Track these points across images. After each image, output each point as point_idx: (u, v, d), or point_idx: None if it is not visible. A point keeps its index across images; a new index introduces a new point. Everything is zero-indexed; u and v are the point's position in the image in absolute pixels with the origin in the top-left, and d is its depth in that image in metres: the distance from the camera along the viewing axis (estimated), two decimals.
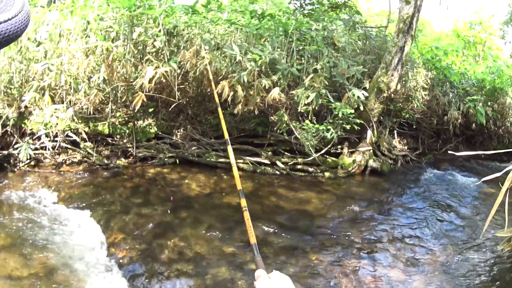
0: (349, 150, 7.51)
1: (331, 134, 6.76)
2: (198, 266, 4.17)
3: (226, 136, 2.19)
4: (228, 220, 5.20)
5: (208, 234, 4.84)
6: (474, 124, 8.72)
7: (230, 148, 1.98)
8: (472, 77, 9.34)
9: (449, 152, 5.21)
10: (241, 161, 6.94)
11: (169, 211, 5.31)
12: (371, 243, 5.19)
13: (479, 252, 5.24)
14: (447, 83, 8.82)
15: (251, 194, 6.15)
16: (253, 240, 1.23)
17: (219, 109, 2.79)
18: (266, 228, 5.14)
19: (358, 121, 6.90)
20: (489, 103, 8.95)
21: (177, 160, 6.82)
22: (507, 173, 3.56)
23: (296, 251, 4.75)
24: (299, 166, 7.10)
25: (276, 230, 5.10)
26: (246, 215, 1.33)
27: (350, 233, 5.34)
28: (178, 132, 7.08)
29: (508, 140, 9.25)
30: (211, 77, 4.80)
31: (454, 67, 9.26)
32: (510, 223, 4.98)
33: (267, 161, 7.03)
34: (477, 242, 5.55)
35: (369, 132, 7.48)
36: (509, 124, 9.23)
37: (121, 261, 4.15)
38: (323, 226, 5.45)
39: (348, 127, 6.88)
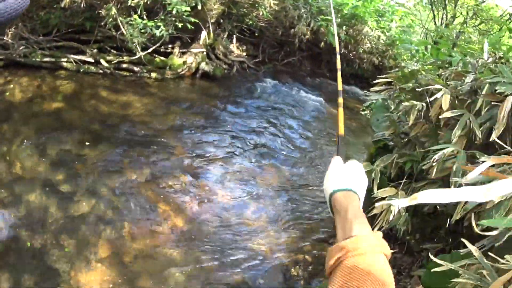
0: (181, 51, 7.97)
1: (161, 31, 7.11)
2: (13, 192, 4.32)
3: None
4: (45, 131, 5.38)
5: (25, 150, 4.98)
6: (323, 43, 9.70)
7: None
8: None
9: None
10: (65, 59, 7.12)
11: None
12: (196, 157, 5.58)
13: (318, 166, 6.12)
14: None
15: (71, 97, 6.41)
16: (341, 132, 1.41)
17: None
18: (81, 138, 5.36)
19: (193, 20, 7.26)
20: (344, 27, 9.83)
21: (5, 63, 6.84)
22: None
23: (112, 167, 4.97)
24: (124, 65, 7.47)
25: (92, 141, 5.35)
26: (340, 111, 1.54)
27: (173, 145, 5.70)
28: (9, 31, 6.99)
29: (358, 65, 10.45)
30: None
31: None
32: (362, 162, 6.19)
33: (91, 60, 7.27)
34: (315, 157, 6.43)
35: (204, 33, 7.98)
36: (361, 51, 10.31)
37: None
38: (144, 137, 5.73)
39: (180, 25, 7.22)
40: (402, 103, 3.52)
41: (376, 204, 1.83)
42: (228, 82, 8.55)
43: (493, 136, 2.56)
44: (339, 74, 1.94)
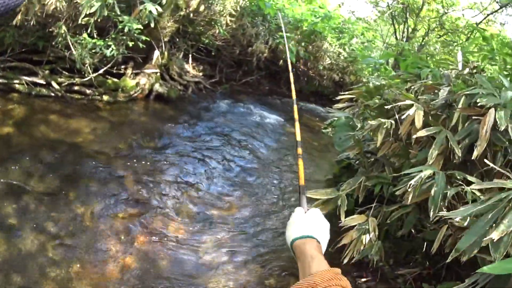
0: (134, 72, 7.54)
1: (112, 51, 6.71)
2: None
3: None
4: None
5: None
6: (281, 61, 9.56)
7: None
8: (290, 15, 9.99)
9: None
10: (18, 81, 6.66)
11: None
12: (147, 186, 5.18)
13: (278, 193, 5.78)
14: (260, 16, 9.37)
15: (21, 122, 5.94)
16: (302, 182, 1.49)
17: None
18: (30, 168, 4.95)
19: (144, 38, 6.89)
20: (303, 44, 9.75)
21: None
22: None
23: (60, 200, 4.57)
24: (76, 88, 7.00)
25: (40, 172, 4.93)
26: (300, 163, 1.58)
27: (123, 175, 5.29)
28: None
29: (318, 82, 10.32)
30: None
31: (272, 2, 9.78)
32: (326, 184, 5.12)
33: (43, 81, 6.83)
34: (274, 183, 6.09)
35: (156, 53, 7.57)
36: (321, 68, 10.23)
37: None
38: (93, 166, 5.33)
39: (131, 44, 6.85)
40: (368, 121, 3.21)
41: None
42: (183, 104, 8.15)
43: (476, 154, 2.25)
44: (296, 124, 1.98)
